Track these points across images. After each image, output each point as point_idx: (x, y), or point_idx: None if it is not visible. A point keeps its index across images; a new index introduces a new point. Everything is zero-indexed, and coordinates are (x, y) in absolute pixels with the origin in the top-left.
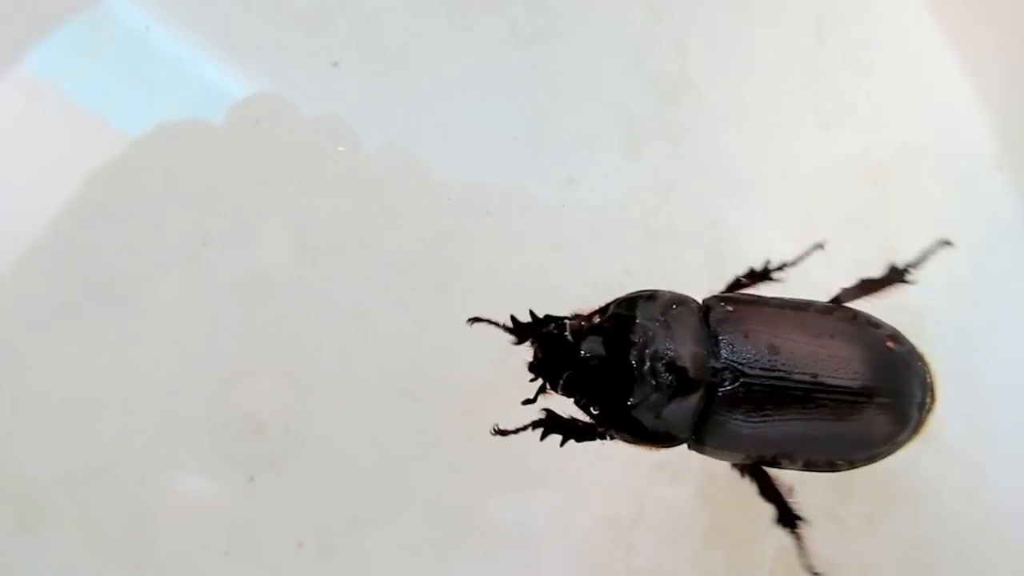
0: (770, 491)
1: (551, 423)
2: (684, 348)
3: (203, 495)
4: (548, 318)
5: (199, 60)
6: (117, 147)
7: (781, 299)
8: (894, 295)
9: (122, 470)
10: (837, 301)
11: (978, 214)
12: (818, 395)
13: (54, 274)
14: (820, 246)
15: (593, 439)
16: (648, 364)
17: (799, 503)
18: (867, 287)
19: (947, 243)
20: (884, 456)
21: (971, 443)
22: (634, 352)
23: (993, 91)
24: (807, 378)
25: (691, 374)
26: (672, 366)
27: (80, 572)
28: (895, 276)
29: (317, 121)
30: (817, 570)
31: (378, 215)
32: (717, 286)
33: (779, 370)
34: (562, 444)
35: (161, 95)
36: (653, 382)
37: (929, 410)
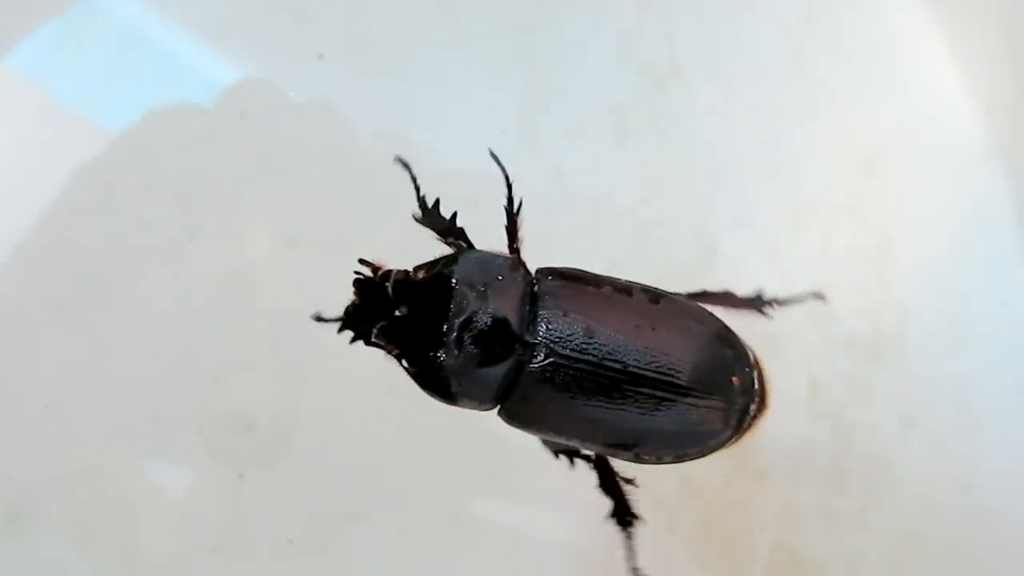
0: (610, 485)
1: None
2: (495, 316)
3: (192, 493)
4: (378, 271)
5: (183, 54)
6: (101, 142)
7: (613, 281)
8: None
9: (110, 468)
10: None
11: (969, 203)
12: (627, 386)
13: (39, 271)
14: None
15: None
16: (457, 326)
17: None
18: (727, 300)
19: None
20: (695, 457)
21: (961, 433)
22: (445, 312)
23: (984, 80)
24: (618, 367)
25: (496, 344)
26: (480, 332)
27: (69, 572)
28: (756, 305)
29: (303, 113)
30: (644, 572)
31: (365, 208)
32: (706, 277)
33: (591, 354)
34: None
35: (145, 89)
36: (458, 345)
37: (755, 418)
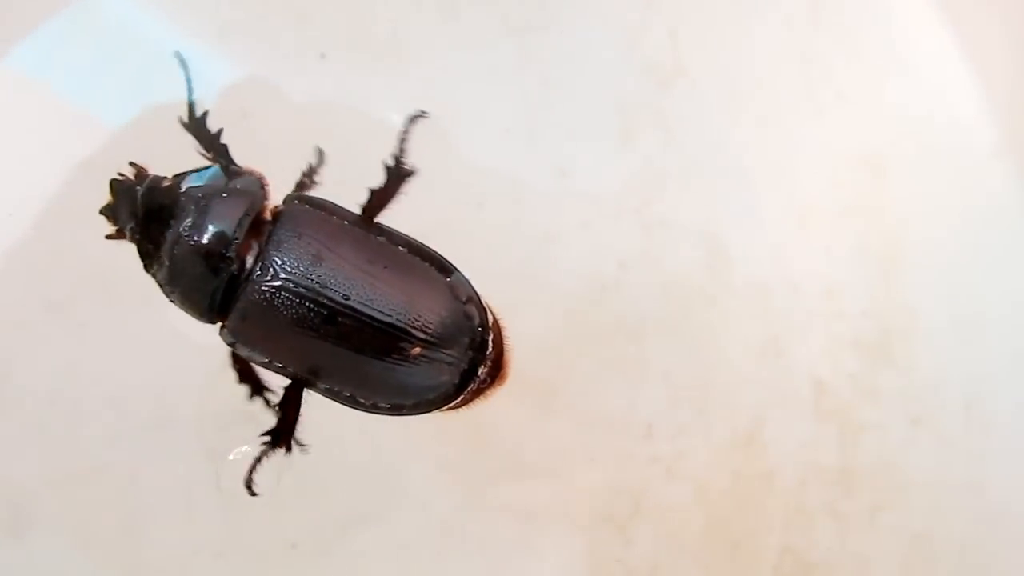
0: (288, 407)
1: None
2: (212, 230)
3: (195, 495)
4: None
5: (185, 52)
6: (102, 142)
7: (363, 221)
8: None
9: (112, 471)
10: (365, 214)
11: (977, 201)
12: (345, 318)
13: (40, 271)
14: None
15: None
16: (176, 232)
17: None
18: (383, 195)
19: (421, 115)
20: (413, 410)
21: (971, 435)
22: (170, 219)
23: (992, 77)
24: (338, 297)
25: (209, 253)
26: (194, 242)
27: None
28: (397, 172)
29: (305, 113)
30: (256, 490)
31: None
32: (712, 277)
33: (314, 279)
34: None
35: (146, 89)
36: (173, 250)
37: (484, 383)
